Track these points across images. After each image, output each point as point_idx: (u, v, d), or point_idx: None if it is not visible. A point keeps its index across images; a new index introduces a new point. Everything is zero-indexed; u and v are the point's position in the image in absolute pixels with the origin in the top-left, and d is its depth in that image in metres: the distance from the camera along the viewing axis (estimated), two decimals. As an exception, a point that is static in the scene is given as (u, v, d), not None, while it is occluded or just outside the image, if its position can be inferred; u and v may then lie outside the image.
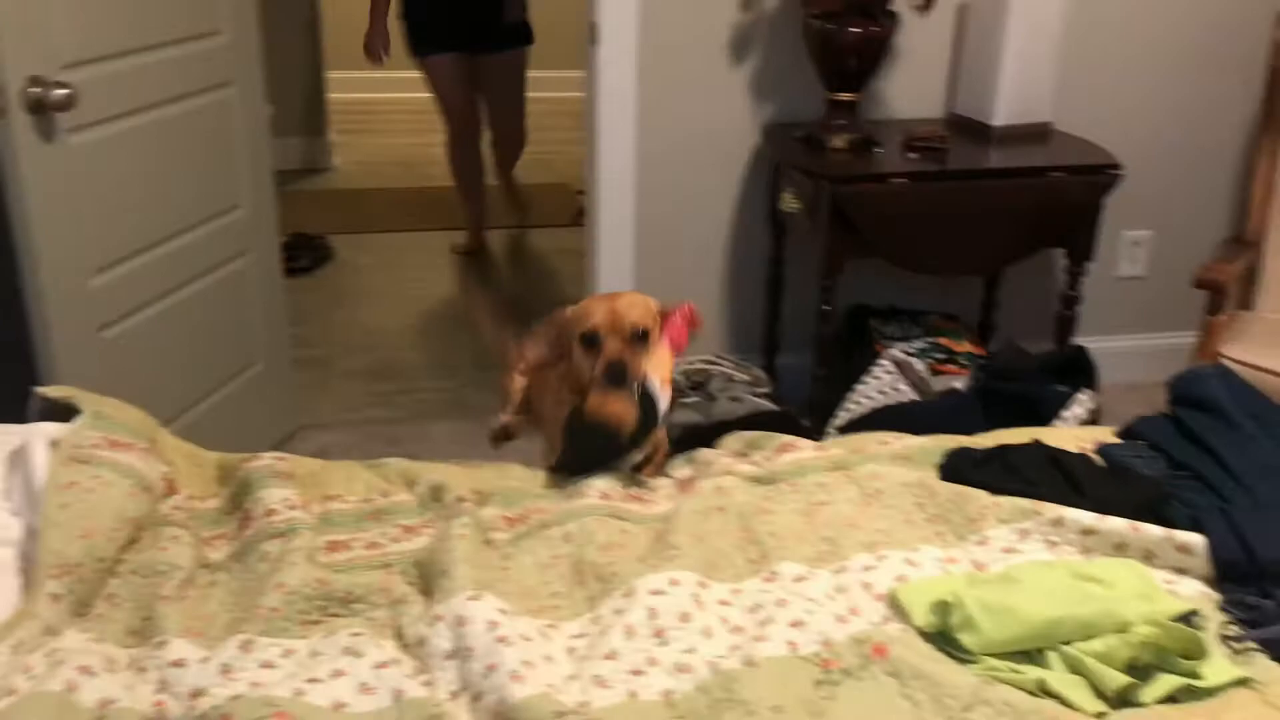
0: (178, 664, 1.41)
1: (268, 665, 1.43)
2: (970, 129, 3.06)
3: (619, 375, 1.77)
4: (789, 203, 2.99)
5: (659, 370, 1.84)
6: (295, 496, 1.73)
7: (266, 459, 1.82)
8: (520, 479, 1.85)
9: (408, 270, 4.50)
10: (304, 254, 4.43)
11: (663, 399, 1.83)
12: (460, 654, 1.44)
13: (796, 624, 1.48)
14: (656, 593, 1.54)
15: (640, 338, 1.80)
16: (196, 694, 1.35)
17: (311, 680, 1.39)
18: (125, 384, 2.40)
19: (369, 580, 1.59)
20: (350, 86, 6.24)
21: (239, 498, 1.76)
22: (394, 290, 4.30)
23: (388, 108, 6.48)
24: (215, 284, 2.81)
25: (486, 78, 4.43)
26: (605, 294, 1.91)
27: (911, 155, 2.87)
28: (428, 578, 1.60)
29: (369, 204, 5.25)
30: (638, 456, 1.90)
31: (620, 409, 1.77)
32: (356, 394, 3.53)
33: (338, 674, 1.41)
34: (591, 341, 1.80)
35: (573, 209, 4.84)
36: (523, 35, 4.46)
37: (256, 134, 2.91)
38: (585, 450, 1.84)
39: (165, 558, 1.59)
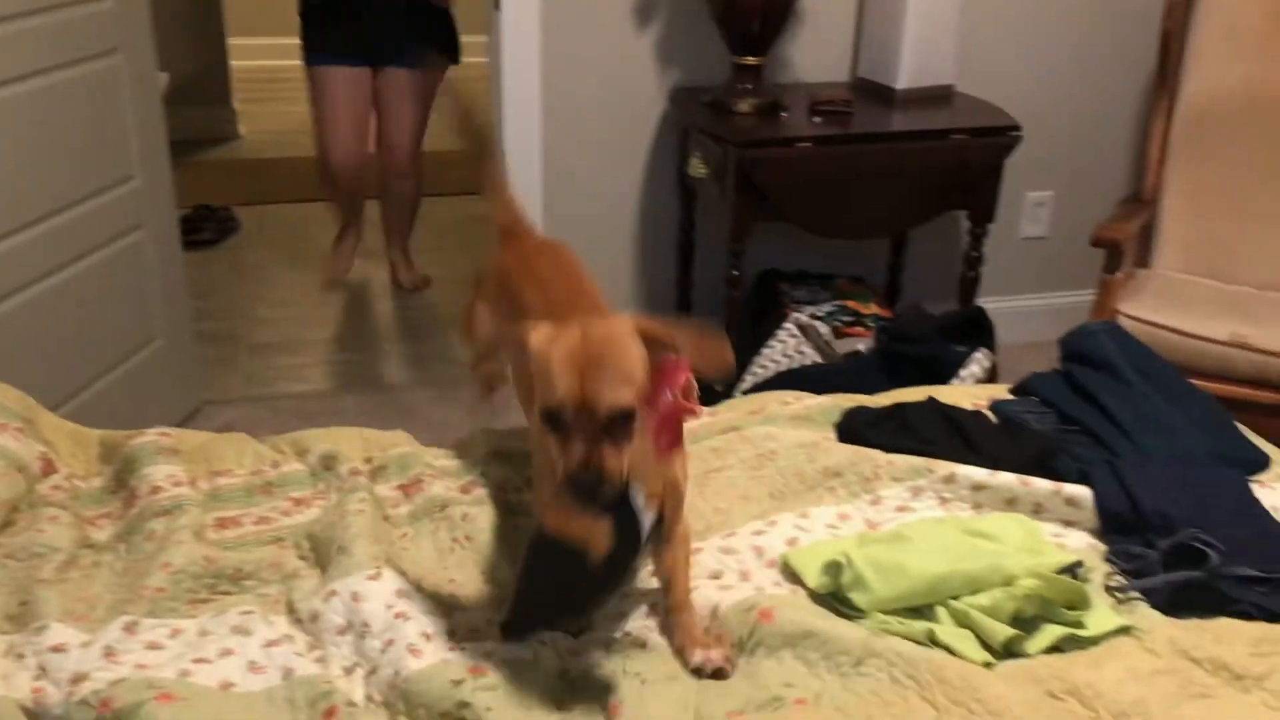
0: (58, 649, 1.37)
1: (154, 646, 1.40)
2: (874, 92, 3.08)
3: (588, 491, 1.26)
4: (697, 168, 2.98)
5: (645, 476, 1.35)
6: (181, 472, 1.70)
7: (151, 434, 1.78)
8: (410, 444, 1.82)
9: (316, 241, 4.41)
10: (208, 226, 4.32)
11: (647, 517, 1.36)
12: (356, 629, 1.42)
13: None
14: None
15: (620, 423, 1.27)
16: (77, 679, 1.32)
17: (199, 660, 1.37)
18: (14, 363, 2.32)
19: (259, 556, 1.57)
20: (254, 54, 6.07)
21: (123, 475, 1.71)
22: (302, 262, 4.22)
23: (295, 75, 6.31)
24: (109, 258, 2.73)
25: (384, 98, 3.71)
26: (573, 322, 1.33)
27: (816, 119, 2.87)
28: (323, 553, 1.57)
29: (276, 174, 5.13)
30: (609, 599, 1.48)
31: (588, 527, 1.30)
32: (264, 368, 3.46)
33: (226, 653, 1.39)
34: (554, 422, 1.28)
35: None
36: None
37: (148, 103, 2.82)
38: (544, 578, 1.39)
39: (43, 539, 1.55)
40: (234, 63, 5.63)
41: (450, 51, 3.70)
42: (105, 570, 1.55)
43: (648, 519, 1.36)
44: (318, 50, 3.63)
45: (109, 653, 1.37)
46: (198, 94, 5.34)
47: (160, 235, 2.92)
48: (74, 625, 1.42)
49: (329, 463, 1.75)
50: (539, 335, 1.32)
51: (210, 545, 1.57)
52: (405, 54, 3.58)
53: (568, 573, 1.34)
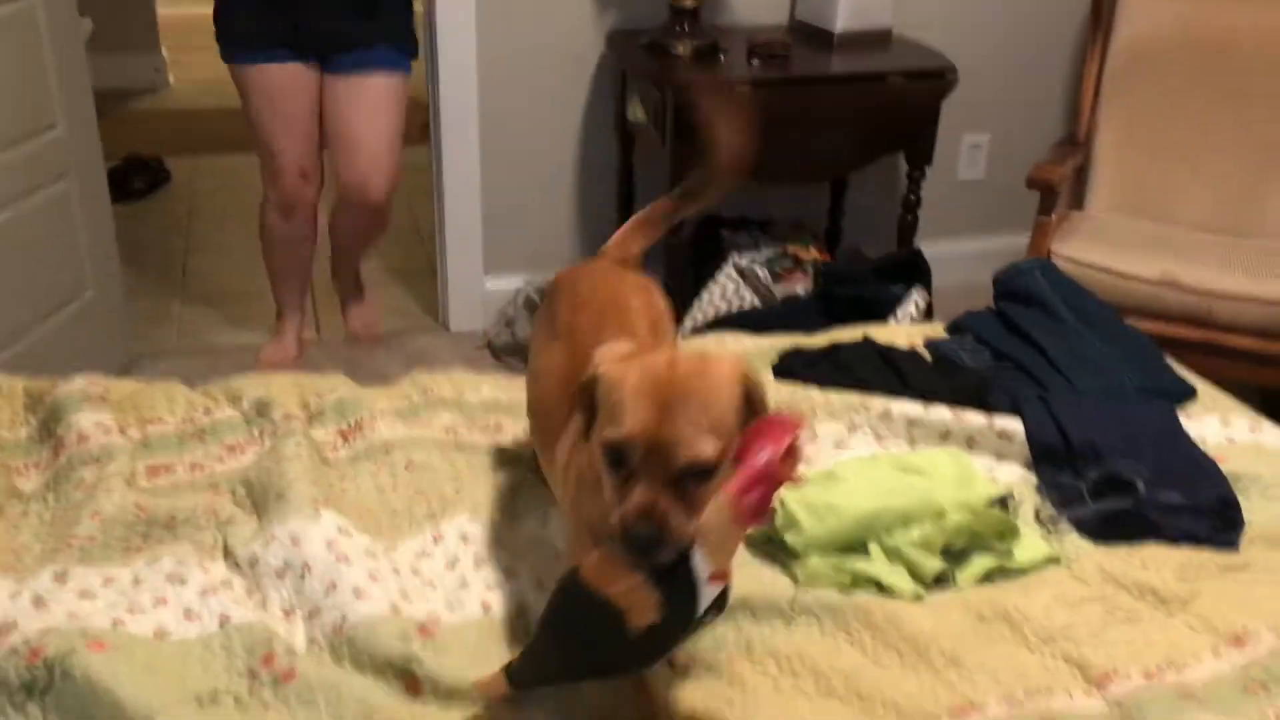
0: (-15, 600, 1.35)
1: (86, 595, 1.38)
2: (813, 35, 3.06)
3: (643, 547, 1.07)
4: (636, 112, 2.96)
5: (716, 545, 1.11)
6: (110, 420, 1.66)
7: (78, 382, 1.74)
8: (349, 388, 1.80)
9: (250, 192, 4.30)
10: (139, 177, 4.22)
11: (706, 592, 1.11)
12: (295, 571, 1.41)
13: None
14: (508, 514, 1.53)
15: (696, 477, 1.08)
16: (5, 629, 1.29)
17: (132, 609, 1.35)
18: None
19: (194, 503, 1.55)
20: (181, 1, 5.92)
21: (50, 424, 1.68)
22: (236, 213, 4.13)
23: (227, 23, 6.17)
24: (35, 208, 2.66)
25: (337, 106, 2.79)
26: (659, 352, 1.16)
27: (755, 62, 2.86)
28: (259, 498, 1.56)
29: (208, 124, 5.02)
30: (648, 667, 1.22)
31: (632, 592, 1.08)
32: (201, 320, 3.40)
33: (160, 601, 1.38)
34: (616, 459, 1.09)
35: (416, 124, 4.67)
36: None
37: (70, 49, 2.73)
38: (569, 633, 1.15)
39: (-32, 491, 1.52)
40: (161, 10, 5.48)
41: (409, 43, 2.82)
42: (33, 520, 1.52)
43: (707, 594, 1.11)
44: (240, 41, 2.70)
45: (39, 602, 1.34)
46: (123, 41, 5.20)
47: (87, 185, 2.85)
48: (2, 576, 1.39)
49: (263, 409, 1.72)
50: (612, 352, 1.13)
51: (142, 493, 1.54)
52: (365, 47, 2.72)
53: (597, 636, 1.11)
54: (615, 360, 1.13)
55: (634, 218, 1.66)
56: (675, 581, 1.09)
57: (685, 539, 1.07)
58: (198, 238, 3.97)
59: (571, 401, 1.23)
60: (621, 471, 1.09)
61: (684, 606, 1.10)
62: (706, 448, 1.07)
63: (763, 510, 1.11)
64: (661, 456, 1.06)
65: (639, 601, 1.08)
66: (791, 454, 1.11)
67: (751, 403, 1.12)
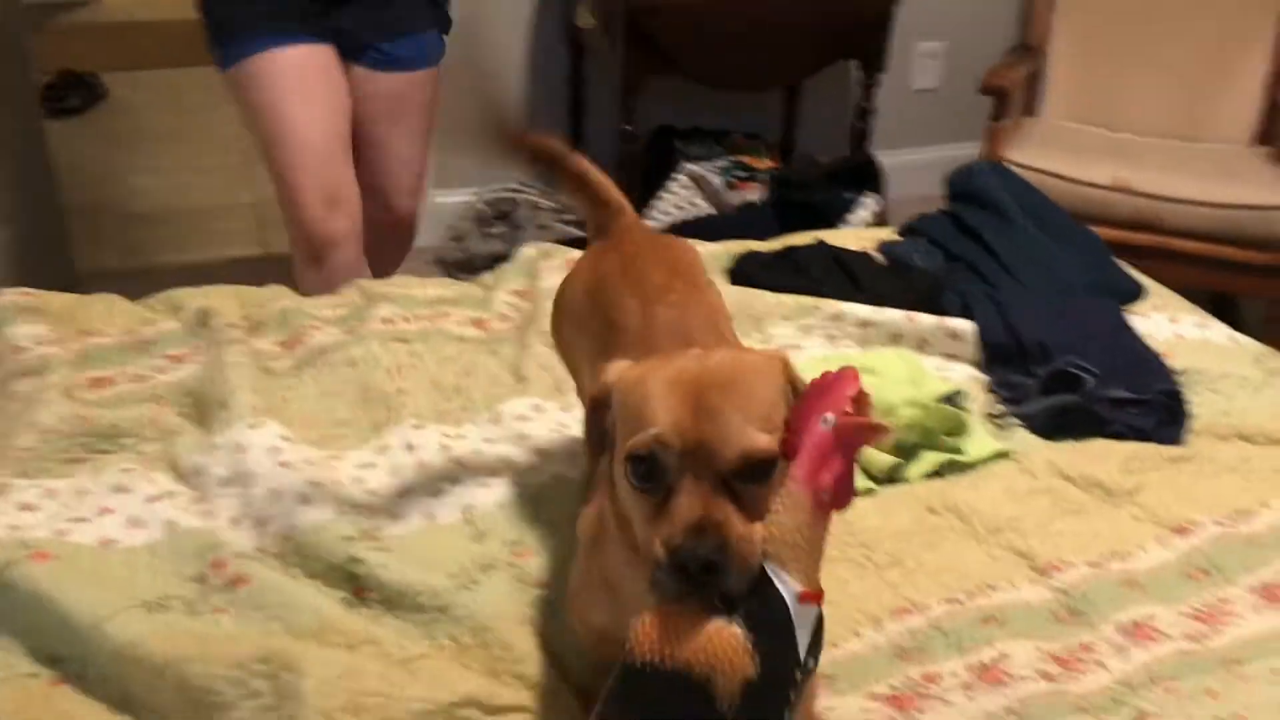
0: (-78, 513, 1.32)
1: (27, 508, 1.35)
2: (765, -62, 3.00)
3: (704, 570, 0.83)
4: (585, 17, 2.90)
5: (796, 553, 0.85)
6: (47, 332, 1.62)
7: (10, 295, 1.69)
8: (290, 298, 1.77)
9: (190, 108, 4.21)
10: (73, 93, 4.09)
11: (802, 618, 0.85)
12: (240, 480, 1.39)
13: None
14: (452, 422, 1.52)
15: (751, 478, 0.86)
16: (-56, 542, 1.27)
17: (76, 519, 1.33)
18: None
19: (137, 414, 1.52)
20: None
21: (-19, 338, 1.63)
22: (176, 129, 4.03)
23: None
24: (-40, 127, 2.57)
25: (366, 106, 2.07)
26: (681, 352, 0.94)
27: (706, -34, 2.80)
28: (203, 408, 1.53)
29: (144, 38, 4.86)
30: None
31: (710, 645, 0.82)
32: (143, 240, 3.33)
33: (105, 511, 1.36)
34: (647, 473, 0.87)
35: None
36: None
37: (-7, -46, 2.63)
38: None
39: (-100, 404, 1.48)
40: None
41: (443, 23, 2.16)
42: (-31, 433, 1.49)
43: (803, 621, 0.85)
44: (245, 28, 1.93)
45: (-22, 515, 1.32)
46: (52, -48, 5.01)
47: (17, 101, 2.75)
48: (-61, 491, 1.36)
49: (204, 319, 1.69)
50: (620, 367, 0.94)
51: (83, 404, 1.51)
52: (395, 35, 2.04)
53: (685, 705, 0.82)
54: (629, 371, 0.93)
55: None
56: (759, 614, 0.82)
57: (754, 553, 0.83)
58: (139, 156, 3.86)
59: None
60: (655, 487, 0.85)
61: (781, 645, 0.83)
62: (759, 438, 0.85)
63: (846, 488, 0.86)
64: (705, 457, 0.84)
65: (722, 655, 0.81)
66: (860, 407, 0.87)
67: (797, 394, 0.92)
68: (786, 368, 0.93)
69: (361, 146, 2.06)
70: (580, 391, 1.32)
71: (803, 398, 0.90)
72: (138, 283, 3.02)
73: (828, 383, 0.89)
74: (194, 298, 1.74)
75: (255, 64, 1.91)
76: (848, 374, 0.89)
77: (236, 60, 1.93)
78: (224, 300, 1.73)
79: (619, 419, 0.91)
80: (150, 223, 3.42)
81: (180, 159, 3.83)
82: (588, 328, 1.25)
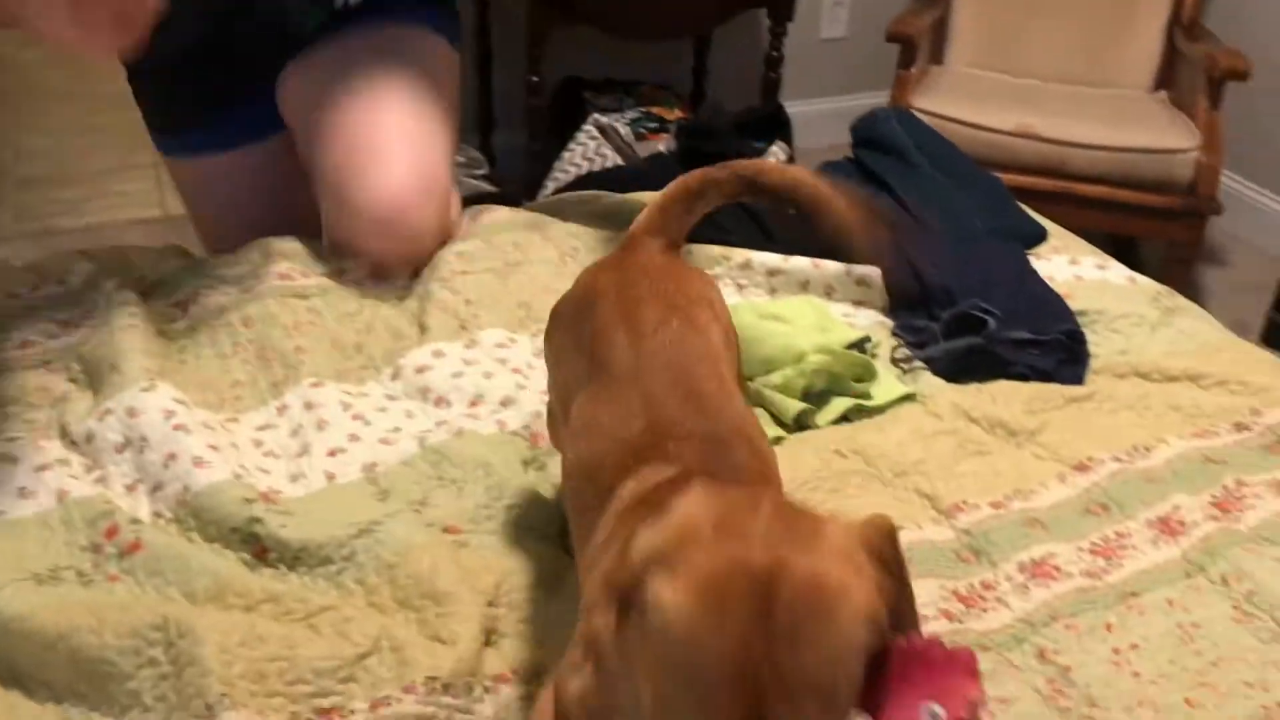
0: None
1: (-93, 480, 1.30)
2: (671, -115, 2.96)
3: None
4: (488, -33, 2.84)
5: None
6: (-77, 299, 1.56)
7: (-119, 260, 1.62)
8: (184, 259, 1.72)
9: (81, 67, 4.06)
10: (-43, 51, 3.92)
11: None
12: (134, 445, 1.35)
13: (507, 402, 1.46)
14: (354, 381, 1.48)
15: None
16: None
17: (-40, 491, 1.28)
18: None
19: (24, 382, 1.46)
20: None
21: None
22: (68, 88, 3.88)
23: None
24: None
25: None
26: (741, 540, 0.68)
27: (610, -88, 2.76)
28: (94, 373, 1.48)
29: (34, -6, 4.67)
30: None
31: None
32: (37, 203, 3.21)
33: (-10, 482, 1.30)
34: None
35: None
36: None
37: None
38: None
39: None
40: None
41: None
42: None
43: None
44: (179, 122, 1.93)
45: None
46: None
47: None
48: None
49: (94, 283, 1.63)
50: (661, 538, 0.69)
51: (-36, 373, 1.45)
52: None
53: None
54: (671, 563, 0.67)
55: (677, 183, 1.25)
56: None
57: None
58: (28, 116, 3.72)
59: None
60: None
61: None
62: (843, 674, 0.66)
63: None
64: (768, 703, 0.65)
65: None
66: (974, 710, 0.69)
67: (891, 574, 0.72)
68: (876, 611, 0.68)
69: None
70: (552, 417, 1.20)
71: (903, 661, 0.69)
72: (33, 245, 2.94)
73: (937, 658, 0.69)
74: (80, 261, 1.67)
75: (186, 168, 1.97)
76: (969, 661, 0.70)
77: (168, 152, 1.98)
78: (116, 262, 1.67)
79: (653, 658, 0.67)
80: (44, 184, 3.30)
81: (72, 118, 3.69)
82: (579, 345, 1.08)
